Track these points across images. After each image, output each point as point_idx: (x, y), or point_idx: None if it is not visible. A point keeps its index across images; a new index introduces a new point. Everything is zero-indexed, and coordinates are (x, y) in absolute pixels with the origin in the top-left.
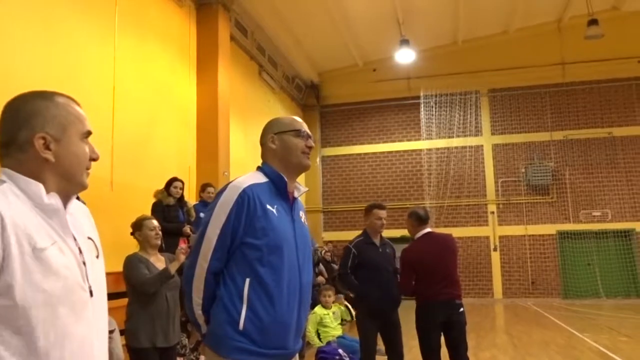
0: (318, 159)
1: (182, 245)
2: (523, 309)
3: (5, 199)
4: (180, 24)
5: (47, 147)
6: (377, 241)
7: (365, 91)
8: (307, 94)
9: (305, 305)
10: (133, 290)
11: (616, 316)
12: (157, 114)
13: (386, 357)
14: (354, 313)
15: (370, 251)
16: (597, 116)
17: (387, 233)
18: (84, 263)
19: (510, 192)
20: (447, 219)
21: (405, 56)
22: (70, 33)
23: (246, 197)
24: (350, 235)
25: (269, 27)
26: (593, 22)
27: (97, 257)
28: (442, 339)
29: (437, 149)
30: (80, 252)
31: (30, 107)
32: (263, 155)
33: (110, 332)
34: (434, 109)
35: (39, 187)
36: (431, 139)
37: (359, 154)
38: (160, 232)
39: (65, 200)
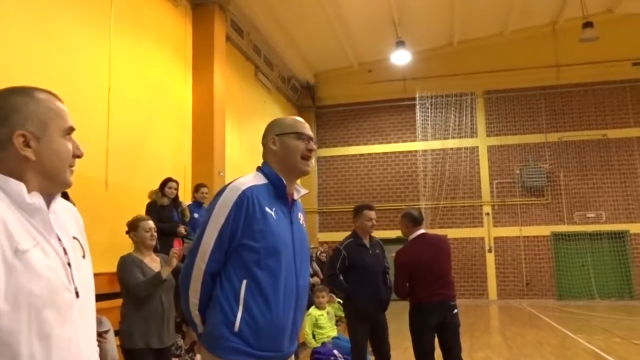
0: (313, 160)
1: (176, 248)
2: (517, 310)
3: None
4: (176, 24)
5: (28, 145)
6: (367, 242)
7: (361, 92)
8: (302, 95)
9: (301, 307)
10: (127, 291)
11: (610, 317)
12: (153, 114)
13: (373, 357)
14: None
15: (360, 253)
16: (592, 118)
17: (382, 234)
18: (69, 264)
19: (505, 193)
20: (443, 220)
21: (401, 57)
22: (66, 33)
23: (245, 199)
24: (345, 236)
25: (265, 28)
26: (588, 24)
27: (84, 257)
28: (436, 340)
29: (433, 150)
30: (65, 252)
31: (9, 103)
32: (264, 156)
33: (105, 332)
34: (429, 110)
35: (21, 187)
36: (426, 140)
37: (355, 155)
38: (155, 234)
39: (48, 199)
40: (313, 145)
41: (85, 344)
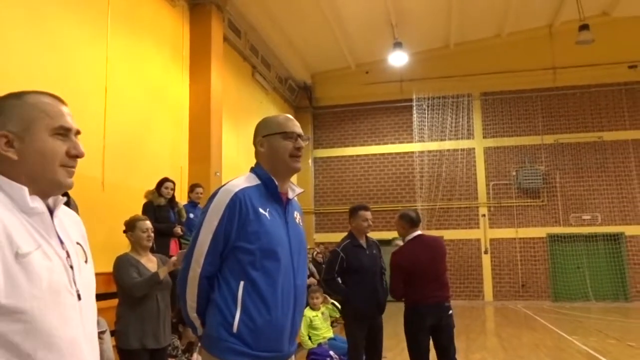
0: (310, 161)
1: (174, 257)
2: (513, 312)
3: None
4: (173, 24)
5: (11, 146)
6: (363, 242)
7: (358, 93)
8: (299, 96)
9: (300, 307)
10: (123, 292)
11: (605, 319)
12: (150, 114)
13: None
14: (339, 307)
15: (358, 254)
16: (588, 120)
17: (378, 235)
18: (72, 267)
19: (501, 195)
20: (439, 222)
21: (398, 59)
22: (63, 32)
23: (238, 201)
24: (342, 237)
25: (262, 28)
26: (584, 27)
27: (86, 262)
28: (431, 342)
29: (429, 151)
30: (68, 255)
31: None
32: (255, 157)
33: (101, 333)
34: (426, 111)
35: (23, 190)
36: (423, 141)
37: (351, 156)
38: (152, 234)
39: (53, 202)
40: (301, 143)
41: (87, 346)
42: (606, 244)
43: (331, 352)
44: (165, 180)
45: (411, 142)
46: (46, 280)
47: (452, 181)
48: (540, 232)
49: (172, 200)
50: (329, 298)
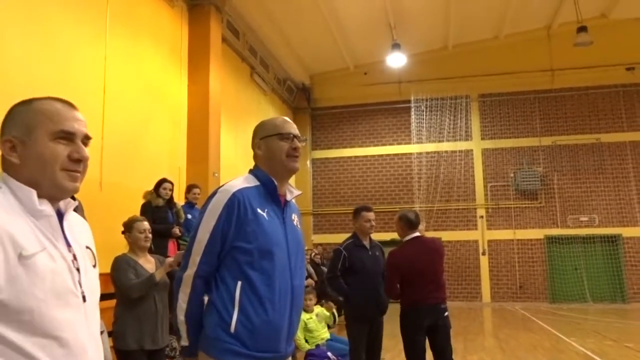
0: (308, 162)
1: (171, 258)
2: (511, 313)
3: None
4: (172, 25)
5: (14, 150)
6: (367, 243)
7: (356, 94)
8: (298, 97)
9: (297, 308)
10: (120, 293)
11: (602, 320)
12: (148, 115)
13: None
14: (337, 319)
15: (360, 254)
16: (585, 122)
17: (377, 236)
18: (78, 269)
19: (499, 196)
20: (437, 223)
21: (396, 60)
22: (61, 33)
23: (236, 201)
24: (340, 238)
25: (261, 29)
26: (582, 29)
27: (94, 266)
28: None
29: (427, 152)
30: (75, 258)
31: (8, 114)
32: (254, 159)
33: (100, 334)
34: (424, 113)
35: (32, 193)
36: (421, 142)
37: (350, 157)
38: (150, 235)
39: (64, 206)
40: (298, 143)
41: (92, 347)
42: (603, 246)
43: (329, 353)
44: (163, 180)
45: (409, 143)
46: (50, 282)
47: (450, 182)
48: (537, 233)
49: (170, 201)
50: (332, 304)
